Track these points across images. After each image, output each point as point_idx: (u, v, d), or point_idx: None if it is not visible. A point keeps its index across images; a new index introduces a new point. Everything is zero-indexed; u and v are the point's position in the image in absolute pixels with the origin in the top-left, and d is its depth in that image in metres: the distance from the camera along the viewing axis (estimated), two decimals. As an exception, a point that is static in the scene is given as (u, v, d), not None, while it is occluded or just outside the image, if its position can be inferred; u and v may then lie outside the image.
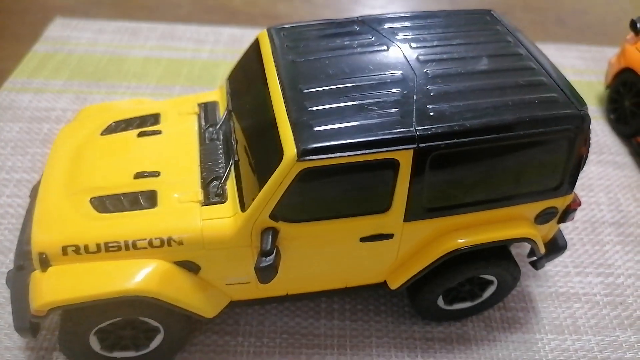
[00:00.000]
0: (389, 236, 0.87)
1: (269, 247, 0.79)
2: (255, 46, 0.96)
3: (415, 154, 0.78)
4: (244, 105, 0.94)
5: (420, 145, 0.77)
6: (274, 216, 0.80)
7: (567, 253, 1.18)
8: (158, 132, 0.95)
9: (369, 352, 0.98)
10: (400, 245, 0.89)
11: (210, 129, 0.95)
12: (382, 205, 0.83)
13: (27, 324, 0.83)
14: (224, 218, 0.82)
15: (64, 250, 0.81)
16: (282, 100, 0.81)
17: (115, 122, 1.00)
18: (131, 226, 0.82)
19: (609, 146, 1.47)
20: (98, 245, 0.81)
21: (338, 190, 0.80)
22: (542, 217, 0.92)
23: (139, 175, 0.88)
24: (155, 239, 0.81)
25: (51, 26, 1.72)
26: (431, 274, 0.92)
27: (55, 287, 0.80)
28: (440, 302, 0.98)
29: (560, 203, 0.92)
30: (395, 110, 0.79)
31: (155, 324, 0.87)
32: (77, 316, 0.83)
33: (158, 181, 0.87)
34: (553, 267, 1.15)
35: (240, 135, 0.90)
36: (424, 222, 0.86)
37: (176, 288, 0.83)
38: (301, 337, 1.00)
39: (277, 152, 0.77)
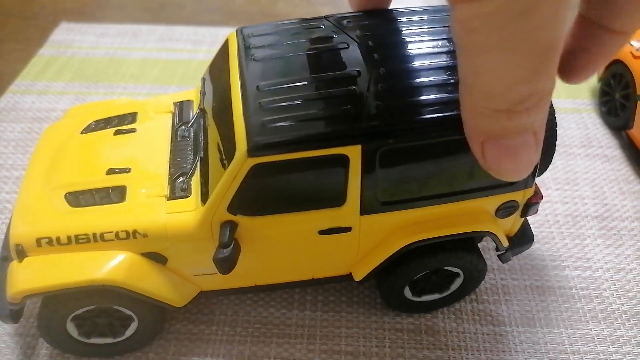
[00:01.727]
0: (347, 229, 0.89)
1: (226, 239, 0.82)
2: (225, 46, 0.99)
3: (364, 149, 0.80)
4: (212, 103, 0.97)
5: (369, 141, 0.79)
6: (231, 210, 0.83)
7: (545, 247, 1.19)
8: (133, 130, 1.00)
9: (337, 342, 1.01)
10: (360, 238, 0.91)
11: (182, 127, 0.99)
12: (336, 200, 0.85)
13: (7, 311, 0.89)
14: (187, 212, 0.86)
15: (38, 242, 0.87)
16: (240, 97, 0.83)
17: (95, 122, 1.05)
18: (100, 219, 0.87)
19: (599, 139, 1.45)
20: (69, 237, 0.86)
21: (292, 185, 0.83)
22: (503, 211, 0.93)
23: (110, 172, 0.93)
24: (122, 231, 0.86)
25: (57, 30, 1.80)
26: (394, 265, 0.94)
27: (28, 277, 0.85)
28: (408, 293, 1.00)
29: (520, 197, 0.93)
30: (347, 107, 0.80)
31: (129, 312, 0.92)
32: (53, 304, 0.89)
33: (128, 177, 0.92)
34: (530, 260, 1.16)
35: (208, 133, 0.94)
36: (380, 216, 0.88)
37: (143, 278, 0.88)
38: (273, 327, 1.03)
39: (232, 148, 0.80)
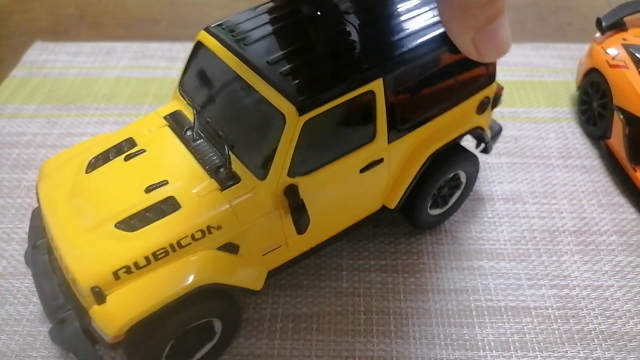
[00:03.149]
0: (380, 161, 1.01)
1: (298, 200, 0.90)
2: (199, 47, 1.03)
3: (385, 81, 0.93)
4: (214, 100, 1.00)
5: (387, 73, 0.93)
6: (291, 173, 0.91)
7: (522, 265, 1.16)
8: (142, 151, 1.00)
9: (306, 373, 0.99)
10: (389, 167, 1.04)
11: (188, 132, 1.01)
12: (369, 136, 0.97)
13: None
14: (247, 193, 0.90)
15: (115, 275, 0.84)
16: (257, 76, 0.91)
17: (93, 159, 1.02)
18: (168, 231, 0.88)
19: (578, 149, 1.43)
20: (147, 258, 0.86)
21: (334, 133, 0.93)
22: (481, 108, 1.14)
23: (149, 190, 0.93)
24: (197, 232, 0.88)
25: (30, 50, 1.78)
26: (418, 185, 1.10)
27: (124, 307, 0.83)
28: (430, 209, 1.18)
29: (491, 92, 1.14)
30: (356, 53, 0.94)
31: (213, 321, 0.95)
32: (145, 337, 0.87)
33: (169, 188, 0.93)
34: (505, 280, 1.13)
35: (224, 125, 0.96)
36: (401, 140, 1.02)
37: (227, 269, 0.91)
38: (241, 358, 1.01)
39: (276, 117, 0.87)
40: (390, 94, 0.95)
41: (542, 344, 1.03)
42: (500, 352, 1.02)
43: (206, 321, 0.94)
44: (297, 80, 0.89)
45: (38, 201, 1.00)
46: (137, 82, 1.65)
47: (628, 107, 1.30)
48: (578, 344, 1.03)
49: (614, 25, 1.47)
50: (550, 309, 1.08)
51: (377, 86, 0.92)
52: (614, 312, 1.07)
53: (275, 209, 0.92)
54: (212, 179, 0.92)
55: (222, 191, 0.91)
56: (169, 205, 0.90)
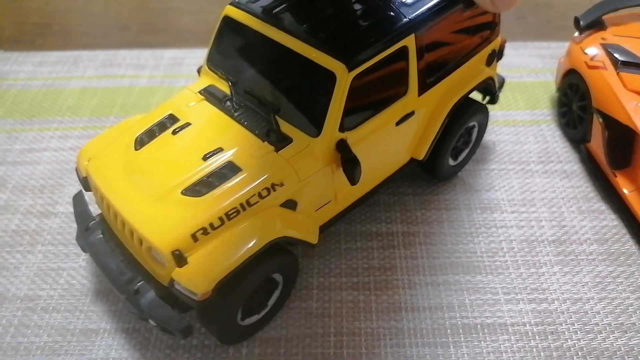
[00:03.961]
0: (412, 114, 1.10)
1: (351, 152, 0.97)
2: (228, 22, 1.09)
3: (416, 38, 1.02)
4: (250, 70, 1.05)
5: (417, 29, 1.02)
6: (341, 129, 0.97)
7: (499, 278, 1.12)
8: (188, 124, 1.04)
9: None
10: (419, 119, 1.13)
11: (227, 103, 1.06)
12: (403, 90, 1.06)
13: (182, 326, 0.92)
14: (302, 151, 0.97)
15: (194, 237, 0.89)
16: (300, 41, 0.98)
17: (138, 137, 1.05)
18: (236, 191, 0.92)
19: (558, 153, 1.38)
20: (220, 218, 0.90)
21: (375, 88, 1.00)
22: (489, 60, 1.25)
23: (206, 157, 0.96)
24: (262, 190, 0.93)
25: (-7, 61, 1.72)
26: (442, 137, 1.20)
27: (209, 265, 0.87)
28: (450, 160, 1.28)
29: (496, 45, 1.26)
30: (387, 12, 1.02)
31: (277, 277, 1.02)
32: (224, 294, 0.91)
33: (226, 154, 0.97)
34: (482, 295, 1.09)
35: (266, 92, 1.02)
36: (428, 93, 1.12)
37: (293, 223, 0.97)
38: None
39: (325, 77, 0.94)
40: (420, 49, 1.04)
41: (519, 363, 0.99)
42: (475, 374, 0.98)
43: (271, 276, 1.00)
44: (340, 41, 0.97)
45: (83, 186, 1.06)
46: (104, 92, 1.59)
47: (607, 109, 1.26)
48: (557, 362, 0.99)
49: (592, 24, 1.42)
50: (528, 325, 1.04)
51: (410, 42, 1.02)
52: (593, 327, 1.03)
53: (328, 164, 0.99)
54: (265, 142, 0.98)
55: (277, 152, 0.96)
56: (230, 169, 0.95)
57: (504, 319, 1.05)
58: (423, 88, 1.10)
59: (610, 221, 1.22)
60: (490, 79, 1.27)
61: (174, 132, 1.02)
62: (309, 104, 0.98)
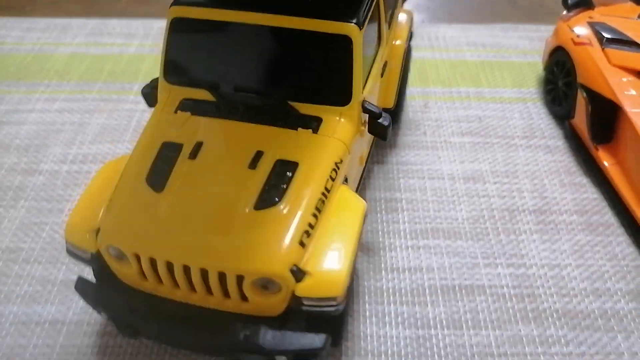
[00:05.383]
0: (386, 64, 1.15)
1: (378, 108, 0.96)
2: (181, 25, 0.96)
3: None
4: (234, 66, 0.96)
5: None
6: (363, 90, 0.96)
7: (479, 243, 1.13)
8: (200, 144, 0.90)
9: None
10: (390, 68, 1.21)
11: (222, 108, 0.95)
12: (378, 41, 1.09)
13: (322, 339, 0.81)
14: (339, 123, 0.94)
15: (302, 243, 0.80)
16: (289, 16, 0.92)
17: (147, 179, 0.88)
18: (309, 184, 0.86)
19: (543, 129, 1.40)
20: (314, 215, 0.83)
21: (368, 44, 1.00)
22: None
23: (253, 166, 0.87)
24: (331, 171, 0.88)
25: (-19, 26, 1.71)
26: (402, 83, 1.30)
27: (332, 263, 0.80)
28: None
29: None
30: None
31: None
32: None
33: (268, 155, 0.88)
34: (461, 259, 1.10)
35: (266, 82, 0.96)
36: (388, 42, 1.18)
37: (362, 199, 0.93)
38: None
39: (338, 43, 0.92)
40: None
41: (495, 322, 1.00)
42: (452, 330, 0.98)
43: None
44: (328, 7, 0.94)
45: (93, 265, 0.88)
46: (92, 58, 1.59)
47: (591, 84, 1.27)
48: (532, 323, 1.00)
49: (580, 3, 1.44)
50: (505, 287, 1.05)
51: None
52: (569, 291, 1.05)
53: (360, 125, 0.97)
54: (298, 129, 0.91)
55: (316, 133, 0.92)
56: (286, 167, 0.87)
57: (481, 282, 1.06)
58: (386, 36, 1.12)
59: (591, 194, 1.24)
60: (411, 17, 1.37)
61: (191, 157, 0.88)
62: (327, 75, 0.94)
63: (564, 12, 1.46)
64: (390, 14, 1.20)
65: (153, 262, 0.81)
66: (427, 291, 1.04)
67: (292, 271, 0.78)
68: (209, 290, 0.82)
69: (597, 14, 1.41)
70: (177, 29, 0.96)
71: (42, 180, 1.23)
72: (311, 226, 0.82)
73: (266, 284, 0.79)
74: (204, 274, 0.80)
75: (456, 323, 0.99)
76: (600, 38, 1.31)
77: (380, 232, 1.14)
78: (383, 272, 1.07)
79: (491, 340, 0.97)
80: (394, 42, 1.24)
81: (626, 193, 1.17)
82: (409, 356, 0.94)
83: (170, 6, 0.96)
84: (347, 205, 0.88)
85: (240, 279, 0.79)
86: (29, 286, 1.03)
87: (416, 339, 0.97)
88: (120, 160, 0.93)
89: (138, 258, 0.81)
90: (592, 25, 1.36)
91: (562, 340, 0.97)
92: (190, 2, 0.95)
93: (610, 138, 1.25)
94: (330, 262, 0.80)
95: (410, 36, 1.36)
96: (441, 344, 0.96)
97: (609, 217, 1.19)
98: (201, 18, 0.94)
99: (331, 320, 0.84)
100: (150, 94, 1.01)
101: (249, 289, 0.79)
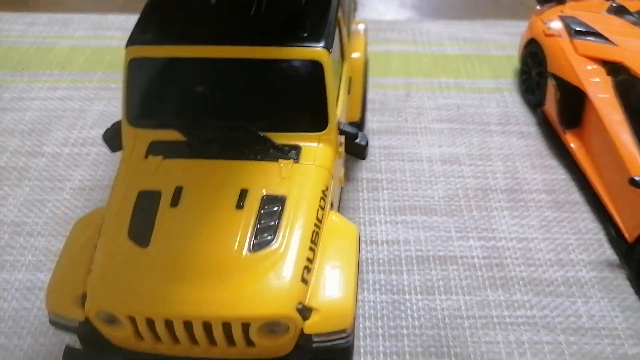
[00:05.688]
0: (350, 79, 1.17)
1: (354, 129, 0.96)
2: (139, 65, 0.92)
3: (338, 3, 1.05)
4: (202, 101, 0.94)
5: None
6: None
7: (453, 219, 1.21)
8: (180, 189, 0.86)
9: None
10: (354, 83, 1.22)
11: (194, 148, 0.90)
12: (341, 57, 1.10)
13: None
14: (316, 150, 0.92)
15: (304, 280, 0.79)
16: (252, 46, 0.90)
17: (130, 234, 0.83)
18: (300, 217, 0.84)
19: (517, 117, 1.49)
20: (311, 248, 0.82)
21: (335, 62, 0.98)
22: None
23: (239, 206, 0.83)
24: (320, 200, 0.87)
25: (-15, 20, 1.79)
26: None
27: (336, 294, 0.80)
28: None
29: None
30: None
31: None
32: None
33: (254, 191, 0.85)
34: (436, 232, 1.18)
35: (238, 115, 0.93)
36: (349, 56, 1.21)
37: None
38: None
39: (308, 68, 0.90)
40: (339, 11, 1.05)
41: (465, 288, 1.08)
42: (425, 296, 1.06)
43: None
44: (293, 29, 0.91)
45: (79, 334, 0.81)
46: (92, 50, 1.67)
47: (560, 72, 1.36)
48: (499, 289, 1.08)
49: (552, -2, 1.53)
50: (476, 258, 1.14)
51: (338, 9, 1.02)
52: (535, 261, 1.13)
53: (337, 154, 0.96)
54: (279, 160, 0.88)
55: (297, 162, 0.89)
56: (274, 202, 0.84)
57: (454, 253, 1.14)
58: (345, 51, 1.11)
59: (560, 175, 1.33)
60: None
61: (173, 204, 0.83)
62: (301, 102, 0.92)
63: (538, 7, 1.55)
64: (347, 27, 1.19)
65: (150, 322, 0.77)
66: (403, 261, 1.13)
67: (298, 310, 0.76)
68: (212, 342, 0.79)
69: (568, 9, 1.50)
70: (137, 69, 0.92)
71: (45, 162, 1.31)
72: (310, 260, 0.80)
73: (273, 327, 0.78)
74: (207, 326, 0.77)
75: (429, 289, 1.08)
76: (569, 30, 1.40)
77: (361, 209, 1.23)
78: (363, 244, 1.15)
79: (461, 304, 1.05)
80: (352, 55, 1.23)
81: (591, 174, 1.25)
82: (385, 318, 1.03)
83: (126, 46, 0.93)
84: (340, 232, 0.87)
85: (246, 326, 0.77)
86: (32, 256, 1.11)
87: (392, 302, 1.05)
88: (94, 214, 0.89)
89: (133, 320, 0.77)
90: (562, 18, 1.45)
91: (527, 305, 1.05)
92: (147, 39, 0.93)
93: (577, 123, 1.34)
94: (335, 294, 0.79)
95: (366, 47, 1.36)
96: (415, 307, 1.04)
97: (575, 195, 1.28)
98: (161, 56, 0.91)
99: (340, 351, 0.82)
100: (113, 138, 0.95)
101: (256, 335, 0.77)
